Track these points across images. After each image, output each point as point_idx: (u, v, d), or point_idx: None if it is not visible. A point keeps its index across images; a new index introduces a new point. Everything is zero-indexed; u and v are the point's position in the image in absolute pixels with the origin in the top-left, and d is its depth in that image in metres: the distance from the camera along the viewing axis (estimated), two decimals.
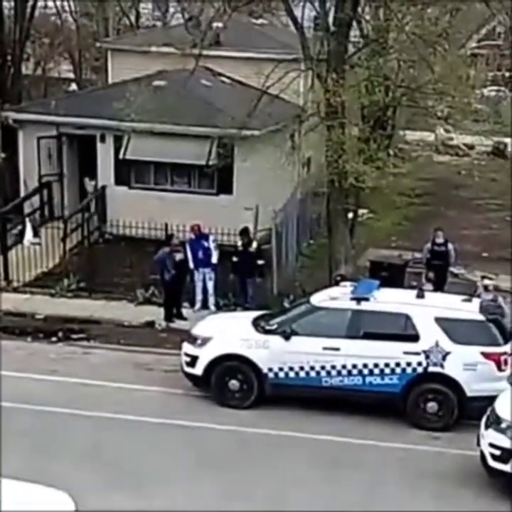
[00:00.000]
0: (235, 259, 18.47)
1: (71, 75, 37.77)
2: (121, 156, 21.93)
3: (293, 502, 11.45)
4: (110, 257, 20.45)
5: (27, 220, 21.70)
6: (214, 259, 18.46)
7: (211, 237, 18.71)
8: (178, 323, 17.71)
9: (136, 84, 20.19)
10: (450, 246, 19.20)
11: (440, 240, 19.08)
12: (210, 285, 18.49)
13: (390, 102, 18.56)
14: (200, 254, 18.41)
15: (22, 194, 22.82)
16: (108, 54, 27.96)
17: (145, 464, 12.23)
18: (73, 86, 37.03)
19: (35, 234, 21.37)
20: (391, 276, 18.32)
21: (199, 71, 20.41)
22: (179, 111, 19.98)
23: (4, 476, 10.53)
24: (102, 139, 22.57)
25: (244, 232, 18.74)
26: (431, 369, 13.71)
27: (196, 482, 11.83)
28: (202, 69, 21.39)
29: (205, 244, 18.49)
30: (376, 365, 13.78)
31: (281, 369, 14.02)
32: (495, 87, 31.80)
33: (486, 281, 17.26)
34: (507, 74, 34.33)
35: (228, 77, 25.03)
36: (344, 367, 13.84)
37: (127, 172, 22.59)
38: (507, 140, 31.45)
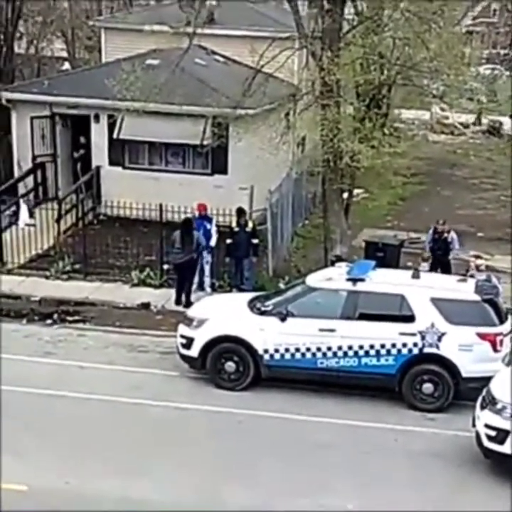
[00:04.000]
0: (229, 241, 18.39)
1: (64, 54, 37.43)
2: (115, 136, 21.78)
3: (287, 484, 11.45)
4: (105, 238, 20.34)
5: (21, 201, 21.58)
6: (212, 243, 18.35)
7: (214, 221, 18.58)
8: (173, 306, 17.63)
9: (129, 63, 20.00)
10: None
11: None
12: (207, 268, 18.41)
13: (385, 81, 18.42)
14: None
15: (16, 175, 22.69)
16: (101, 32, 27.75)
17: (142, 447, 12.21)
18: (66, 65, 36.73)
19: (30, 215, 21.26)
20: (386, 256, 18.29)
21: (193, 49, 20.21)
22: (173, 90, 19.81)
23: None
24: (96, 119, 22.42)
25: (240, 212, 18.64)
26: (426, 350, 13.70)
27: (192, 464, 11.82)
28: (196, 47, 21.21)
29: (208, 226, 18.38)
30: (372, 347, 13.75)
31: (276, 350, 13.99)
32: (490, 65, 31.59)
33: (479, 261, 17.24)
34: (502, 52, 34.13)
35: (222, 56, 24.83)
36: (340, 348, 13.81)
37: (121, 152, 22.47)
38: (502, 119, 31.33)
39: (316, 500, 11.07)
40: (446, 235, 18.47)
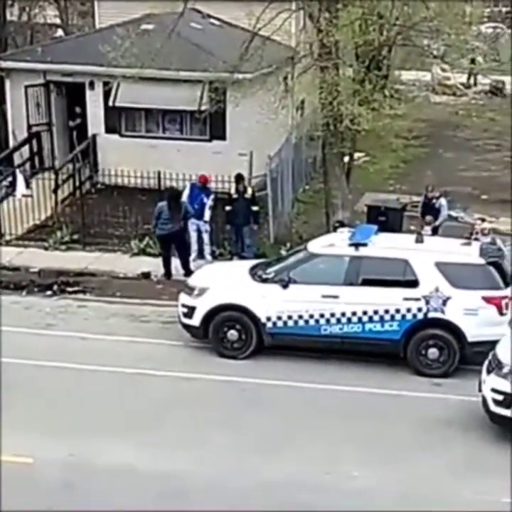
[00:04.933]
0: (228, 208, 18.16)
1: (57, 21, 36.87)
2: (110, 103, 21.48)
3: (294, 453, 11.38)
4: (103, 207, 20.10)
5: (17, 171, 21.31)
6: (206, 217, 18.07)
7: (212, 196, 18.28)
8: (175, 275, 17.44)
9: (124, 28, 19.66)
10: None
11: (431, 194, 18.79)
12: (206, 236, 18.18)
13: (385, 41, 18.10)
14: (196, 205, 18.02)
15: (11, 145, 22.42)
16: None
17: (148, 417, 12.13)
18: (59, 32, 36.21)
19: (27, 185, 21.02)
20: (389, 220, 18.11)
21: (188, 13, 19.89)
22: (169, 55, 19.45)
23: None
24: (91, 86, 22.10)
25: (239, 178, 18.38)
26: (431, 315, 13.56)
27: (198, 433, 11.74)
28: (191, 11, 20.88)
29: (205, 199, 18.08)
30: (376, 312, 13.61)
31: (279, 318, 13.85)
32: (492, 24, 31.05)
33: (483, 224, 17.13)
34: (504, 9, 33.55)
35: (218, 19, 24.42)
36: (343, 314, 13.67)
37: (118, 120, 22.16)
38: (505, 78, 30.85)
39: (321, 466, 10.98)
40: (434, 201, 18.41)
